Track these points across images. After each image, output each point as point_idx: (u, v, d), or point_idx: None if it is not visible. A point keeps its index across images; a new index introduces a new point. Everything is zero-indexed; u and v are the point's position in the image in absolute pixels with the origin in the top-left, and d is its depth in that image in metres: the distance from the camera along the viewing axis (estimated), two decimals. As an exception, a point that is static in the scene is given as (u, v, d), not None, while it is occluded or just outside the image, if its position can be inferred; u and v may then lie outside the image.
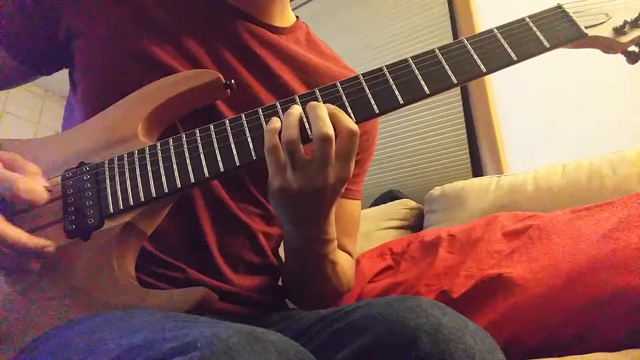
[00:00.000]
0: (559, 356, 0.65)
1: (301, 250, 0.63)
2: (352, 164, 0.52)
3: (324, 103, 0.53)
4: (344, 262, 0.71)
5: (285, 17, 0.76)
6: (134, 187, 0.53)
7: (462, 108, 1.80)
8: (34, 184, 0.50)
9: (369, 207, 1.64)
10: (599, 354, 0.64)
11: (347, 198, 0.77)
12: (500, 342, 0.44)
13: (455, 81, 0.53)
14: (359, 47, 2.10)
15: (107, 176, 0.54)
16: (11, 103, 2.91)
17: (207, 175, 0.52)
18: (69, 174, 0.55)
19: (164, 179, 0.53)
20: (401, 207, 1.53)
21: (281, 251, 0.77)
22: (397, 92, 0.53)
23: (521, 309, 0.76)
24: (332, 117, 0.51)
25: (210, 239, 0.63)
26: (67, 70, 0.71)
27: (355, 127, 0.51)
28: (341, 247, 0.72)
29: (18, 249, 0.49)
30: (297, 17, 0.80)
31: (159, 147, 0.55)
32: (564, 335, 0.71)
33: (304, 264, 0.66)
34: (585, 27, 0.55)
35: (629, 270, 0.69)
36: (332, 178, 0.51)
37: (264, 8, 0.71)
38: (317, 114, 0.50)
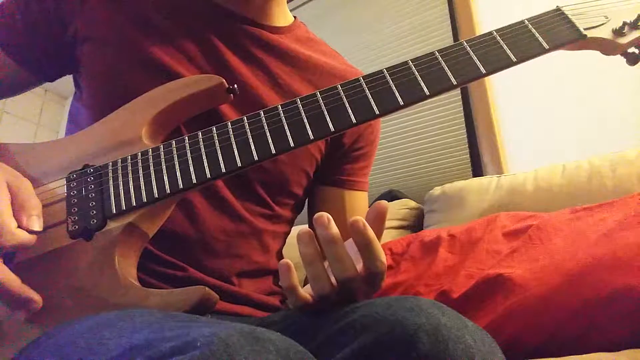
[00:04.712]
0: (559, 356, 0.65)
1: None
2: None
3: (324, 106, 0.53)
4: None
5: (283, 17, 0.76)
6: (137, 188, 0.53)
7: (462, 108, 1.80)
8: (14, 236, 0.47)
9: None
10: (599, 354, 0.64)
11: (360, 190, 0.78)
12: (500, 342, 0.44)
13: (454, 82, 0.53)
14: (359, 48, 2.09)
15: (110, 177, 0.55)
16: (11, 103, 2.91)
17: (208, 176, 0.53)
18: (73, 176, 0.56)
19: (166, 179, 0.53)
20: (401, 207, 1.53)
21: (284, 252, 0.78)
22: (397, 94, 0.53)
23: (521, 309, 0.76)
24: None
25: (214, 239, 0.63)
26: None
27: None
28: None
29: (6, 293, 0.47)
30: (294, 17, 0.80)
31: (161, 149, 0.55)
32: (564, 335, 0.71)
33: None
34: (584, 29, 0.55)
35: (629, 270, 0.69)
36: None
37: (261, 10, 0.72)
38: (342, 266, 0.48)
